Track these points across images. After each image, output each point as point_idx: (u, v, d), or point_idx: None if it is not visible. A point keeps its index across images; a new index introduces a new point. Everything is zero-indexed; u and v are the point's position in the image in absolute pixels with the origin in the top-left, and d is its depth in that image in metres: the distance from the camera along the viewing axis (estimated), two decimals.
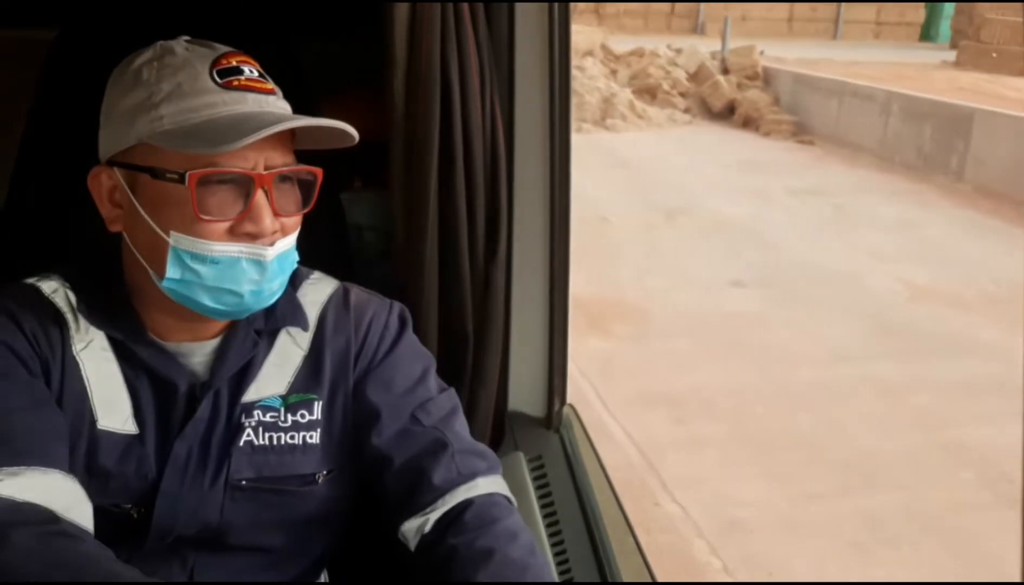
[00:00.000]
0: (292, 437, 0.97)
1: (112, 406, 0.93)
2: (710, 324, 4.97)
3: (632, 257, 6.24)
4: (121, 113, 0.91)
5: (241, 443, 0.95)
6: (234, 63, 0.91)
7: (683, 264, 6.09)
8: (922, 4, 21.61)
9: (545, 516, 1.23)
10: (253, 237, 0.89)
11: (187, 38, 0.95)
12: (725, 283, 5.73)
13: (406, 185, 1.22)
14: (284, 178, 0.91)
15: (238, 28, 1.11)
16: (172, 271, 0.88)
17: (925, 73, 13.84)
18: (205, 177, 0.86)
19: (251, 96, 0.90)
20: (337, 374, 1.01)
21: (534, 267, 1.34)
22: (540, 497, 1.26)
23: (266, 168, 0.89)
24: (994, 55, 14.10)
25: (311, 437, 0.98)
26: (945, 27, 21.45)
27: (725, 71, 13.13)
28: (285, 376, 0.99)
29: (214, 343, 0.98)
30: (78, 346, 0.93)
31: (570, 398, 1.52)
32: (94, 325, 0.95)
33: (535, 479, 1.29)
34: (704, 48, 13.68)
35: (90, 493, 0.88)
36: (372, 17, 1.23)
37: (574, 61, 12.93)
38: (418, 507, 0.95)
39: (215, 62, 0.91)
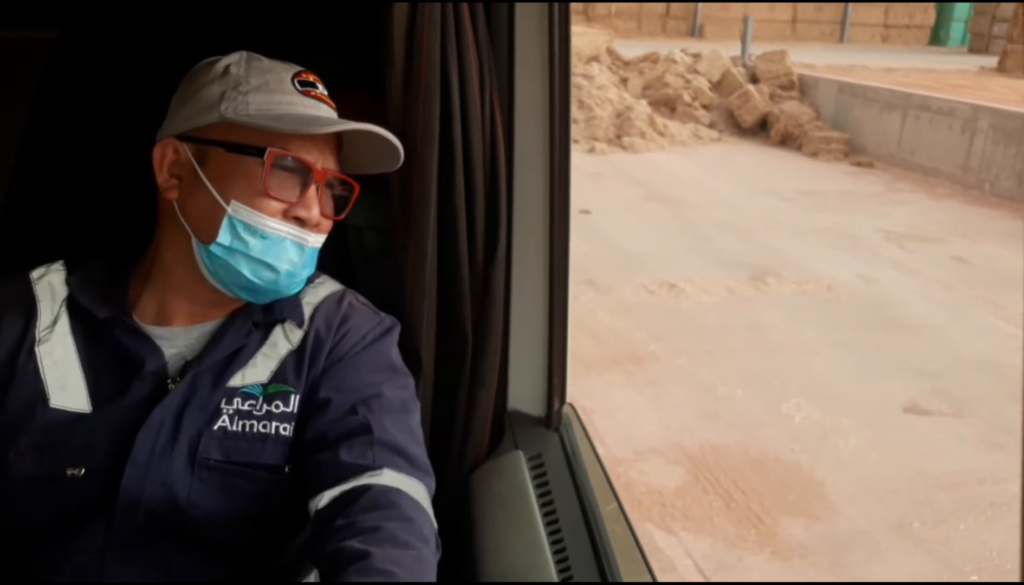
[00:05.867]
0: (264, 426, 0.97)
1: (66, 386, 0.96)
2: (937, 510, 3.02)
3: (739, 357, 4.27)
4: (205, 96, 1.00)
5: (215, 427, 0.96)
6: (311, 78, 1.04)
7: (817, 370, 4.15)
8: (932, 7, 20.07)
9: (544, 515, 1.16)
10: (302, 222, 0.98)
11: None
12: (897, 408, 3.79)
13: (405, 185, 1.19)
14: (329, 184, 1.02)
15: (237, 28, 1.14)
16: (223, 237, 0.96)
17: (977, 81, 12.16)
18: (280, 157, 0.96)
19: (323, 106, 1.03)
20: (313, 373, 1.01)
21: (533, 266, 1.29)
22: (539, 496, 1.19)
23: (322, 169, 1.00)
24: None
25: (284, 429, 0.97)
26: (957, 30, 20.08)
27: (754, 79, 11.27)
28: (269, 366, 1.00)
29: (208, 327, 1.02)
30: (41, 331, 0.99)
31: None
32: (76, 306, 1.00)
33: (534, 478, 1.22)
34: (725, 53, 11.80)
35: (41, 468, 0.92)
36: (371, 17, 1.23)
37: (578, 68, 10.97)
38: (323, 485, 0.92)
39: (297, 73, 1.03)
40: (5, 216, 1.29)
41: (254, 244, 0.96)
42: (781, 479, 3.18)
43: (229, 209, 0.95)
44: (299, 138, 0.97)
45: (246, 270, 0.97)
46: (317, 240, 1.01)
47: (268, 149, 0.95)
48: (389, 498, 0.89)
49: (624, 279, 5.34)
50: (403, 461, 0.94)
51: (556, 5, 1.19)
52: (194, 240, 0.98)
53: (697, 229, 6.64)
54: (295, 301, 1.04)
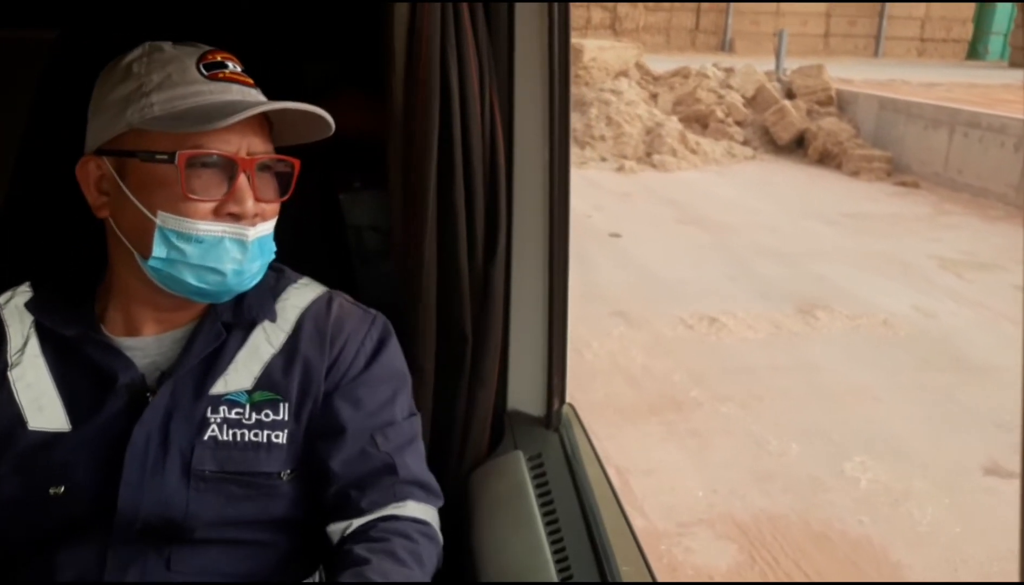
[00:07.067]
0: (256, 435, 0.96)
1: (42, 407, 0.95)
2: None
3: (791, 404, 3.83)
4: (111, 103, 0.96)
5: (205, 438, 0.95)
6: (219, 58, 0.98)
7: (880, 420, 3.70)
8: (970, 19, 19.48)
9: (544, 515, 1.16)
10: (236, 218, 0.93)
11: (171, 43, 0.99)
12: (976, 468, 3.33)
13: (405, 185, 1.19)
14: (264, 167, 0.96)
15: (236, 28, 1.14)
16: (158, 250, 0.93)
17: None
18: (193, 157, 0.91)
19: (235, 87, 0.96)
20: (307, 380, 1.00)
21: (533, 266, 1.29)
22: (539, 496, 1.19)
23: (248, 154, 0.94)
24: None
25: (276, 437, 0.97)
26: (996, 44, 19.48)
27: (789, 95, 10.82)
28: (252, 372, 0.98)
29: (179, 334, 0.99)
30: (12, 356, 0.97)
31: None
32: (43, 325, 0.99)
33: (534, 478, 1.22)
34: (758, 68, 11.35)
35: (23, 490, 0.92)
36: (372, 17, 1.23)
37: (606, 83, 10.59)
38: (350, 515, 0.97)
39: (201, 57, 0.97)
40: (5, 216, 1.29)
41: (191, 251, 0.92)
42: (850, 558, 2.74)
43: (158, 220, 0.92)
44: (215, 129, 0.91)
45: (191, 278, 0.94)
46: (259, 231, 0.96)
47: (177, 153, 0.91)
48: (407, 524, 0.96)
49: (659, 311, 4.92)
50: (422, 491, 1.01)
51: (556, 5, 1.19)
52: (136, 254, 0.95)
53: (736, 255, 6.21)
54: (264, 296, 1.02)
